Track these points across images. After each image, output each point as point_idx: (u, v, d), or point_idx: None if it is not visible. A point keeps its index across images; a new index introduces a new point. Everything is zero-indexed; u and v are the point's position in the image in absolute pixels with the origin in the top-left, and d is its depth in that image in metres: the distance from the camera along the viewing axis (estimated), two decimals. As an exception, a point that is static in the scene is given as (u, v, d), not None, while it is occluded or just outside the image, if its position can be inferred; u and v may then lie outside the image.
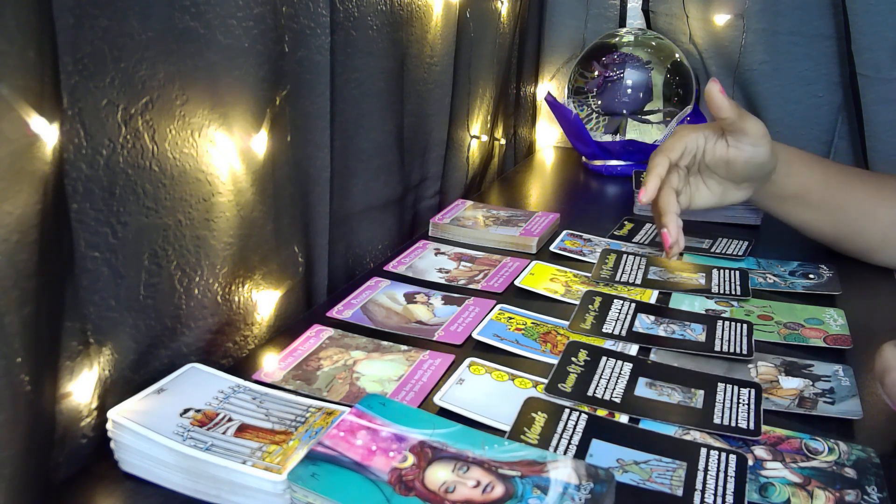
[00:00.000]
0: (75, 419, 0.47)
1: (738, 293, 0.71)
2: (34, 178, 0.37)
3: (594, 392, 0.54)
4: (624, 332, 0.63)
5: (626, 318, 0.66)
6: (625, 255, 0.79)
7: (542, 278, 0.74)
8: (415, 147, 0.91)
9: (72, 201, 0.44)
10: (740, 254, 0.82)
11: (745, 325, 0.64)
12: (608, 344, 0.62)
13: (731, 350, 0.60)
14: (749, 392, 0.54)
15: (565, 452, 0.47)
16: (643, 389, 0.55)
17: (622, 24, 1.27)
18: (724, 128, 0.74)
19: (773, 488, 0.45)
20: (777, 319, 0.67)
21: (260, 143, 0.58)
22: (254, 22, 0.54)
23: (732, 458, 0.46)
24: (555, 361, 0.58)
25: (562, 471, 0.42)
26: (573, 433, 0.49)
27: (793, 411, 0.53)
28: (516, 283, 0.73)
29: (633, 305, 0.68)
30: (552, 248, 0.83)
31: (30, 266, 0.37)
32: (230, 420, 0.48)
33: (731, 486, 0.44)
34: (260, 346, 0.62)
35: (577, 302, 0.68)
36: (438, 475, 0.42)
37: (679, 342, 0.62)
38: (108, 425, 0.46)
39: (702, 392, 0.54)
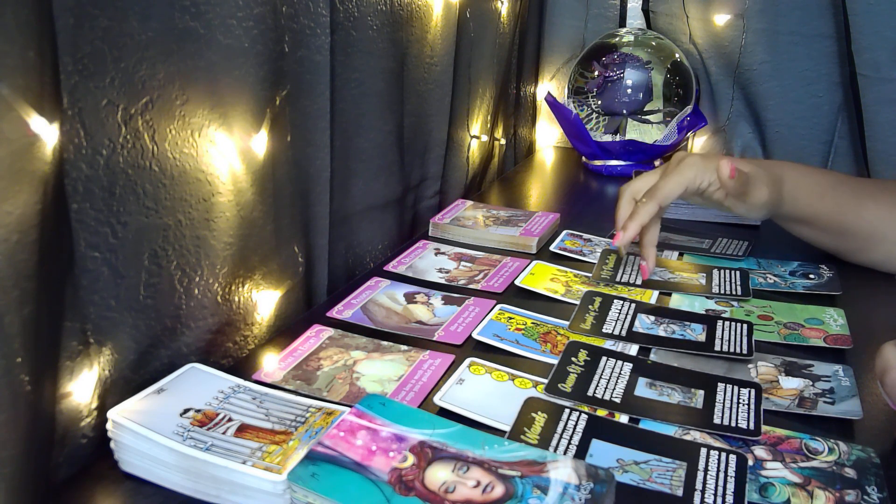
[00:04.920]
0: (75, 419, 0.47)
1: (739, 293, 0.71)
2: (34, 178, 0.37)
3: (594, 392, 0.54)
4: (624, 333, 0.63)
5: (626, 318, 0.65)
6: (625, 256, 0.79)
7: (542, 278, 0.74)
8: (415, 147, 0.91)
9: (72, 201, 0.44)
10: (740, 254, 0.81)
11: (745, 325, 0.63)
12: (608, 344, 0.62)
13: (731, 350, 0.60)
14: (749, 392, 0.54)
15: (565, 452, 0.47)
16: (643, 389, 0.55)
17: (622, 24, 1.27)
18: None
19: (773, 488, 0.45)
20: (777, 319, 0.67)
21: (260, 143, 0.58)
22: (254, 22, 0.54)
23: (732, 458, 0.46)
24: (555, 361, 0.58)
25: (562, 471, 0.42)
26: (573, 433, 0.49)
27: (793, 411, 0.53)
28: (516, 282, 0.73)
29: (633, 306, 0.68)
30: (552, 248, 0.83)
31: (30, 266, 0.37)
32: (230, 420, 0.48)
33: (731, 487, 0.44)
34: (260, 346, 0.62)
35: (577, 302, 0.68)
36: (438, 475, 0.42)
37: (679, 342, 0.62)
38: (108, 425, 0.46)
39: (702, 392, 0.54)
